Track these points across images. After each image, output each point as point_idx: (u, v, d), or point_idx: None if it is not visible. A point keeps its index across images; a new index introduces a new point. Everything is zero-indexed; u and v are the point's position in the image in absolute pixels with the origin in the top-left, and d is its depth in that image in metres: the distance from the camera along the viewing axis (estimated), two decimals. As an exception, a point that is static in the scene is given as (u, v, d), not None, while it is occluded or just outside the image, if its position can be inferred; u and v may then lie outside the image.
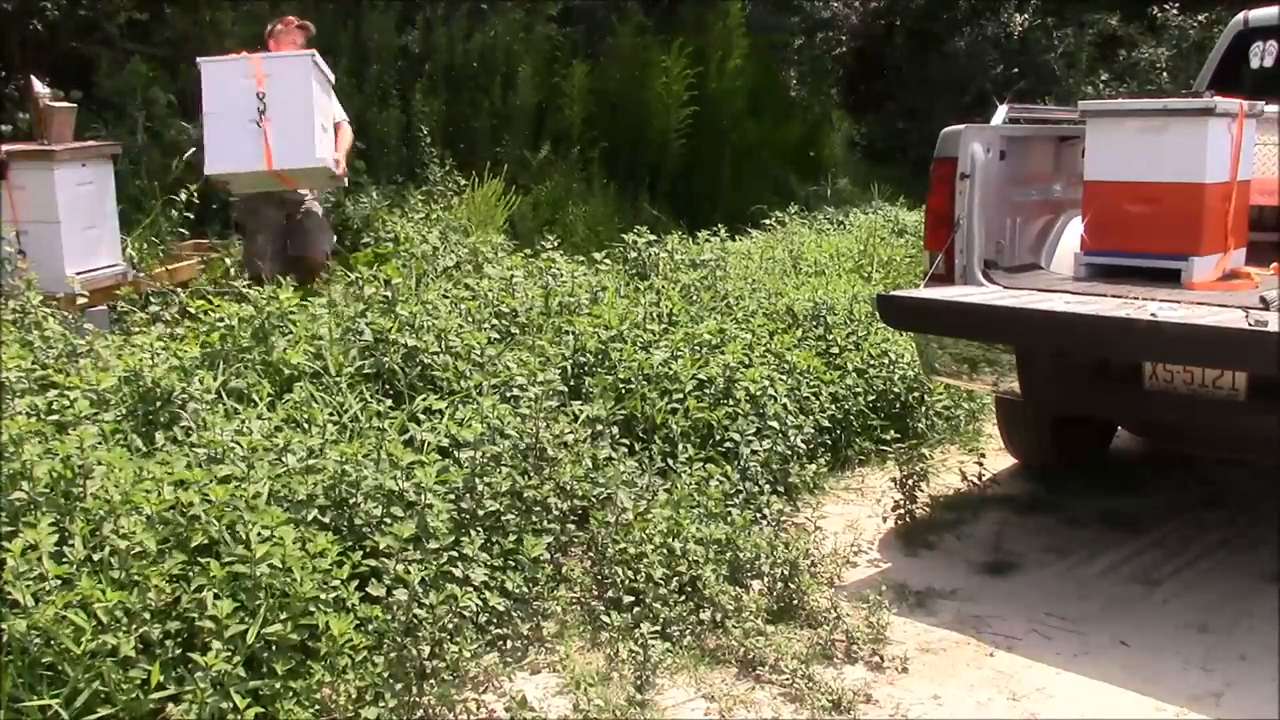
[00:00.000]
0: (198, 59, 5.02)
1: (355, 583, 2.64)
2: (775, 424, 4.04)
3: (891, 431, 4.52)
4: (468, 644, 2.66)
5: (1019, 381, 3.50)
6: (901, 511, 3.91)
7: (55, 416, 3.07)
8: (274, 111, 4.85)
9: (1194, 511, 4.08)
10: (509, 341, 4.22)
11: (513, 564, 3.03)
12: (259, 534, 2.54)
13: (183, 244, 5.89)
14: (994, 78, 12.17)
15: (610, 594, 3.12)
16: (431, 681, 2.58)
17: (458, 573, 2.81)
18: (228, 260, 5.55)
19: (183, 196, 5.66)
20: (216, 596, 2.43)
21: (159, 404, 3.31)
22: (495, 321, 4.37)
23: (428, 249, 5.70)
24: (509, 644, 2.95)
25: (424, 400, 3.57)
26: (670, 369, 4.15)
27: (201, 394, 3.31)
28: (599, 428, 3.71)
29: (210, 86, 4.89)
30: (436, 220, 6.77)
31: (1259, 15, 4.69)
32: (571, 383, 4.02)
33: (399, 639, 2.56)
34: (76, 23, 7.43)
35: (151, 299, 4.65)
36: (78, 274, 4.71)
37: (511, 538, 3.06)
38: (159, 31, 7.76)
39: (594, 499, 3.38)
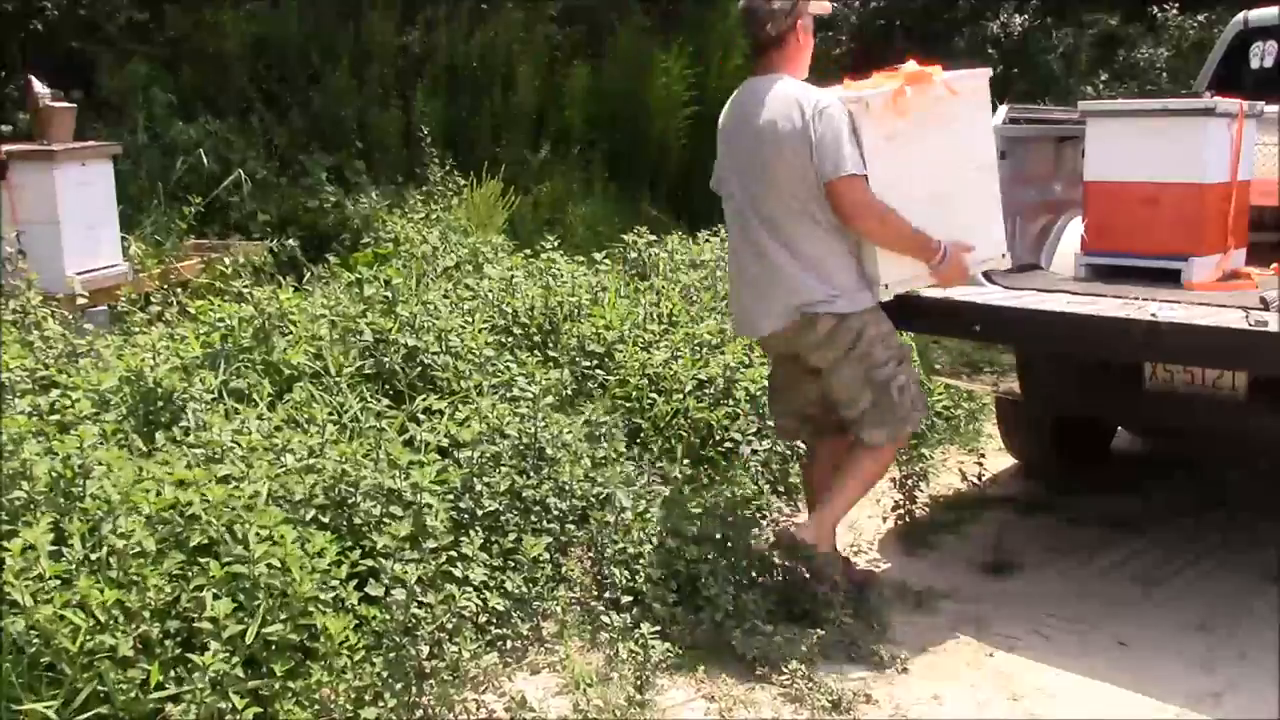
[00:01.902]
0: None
1: (354, 582, 2.64)
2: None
3: (891, 431, 4.51)
4: (467, 644, 2.66)
5: (1019, 382, 3.50)
6: (901, 511, 3.91)
7: (56, 416, 3.08)
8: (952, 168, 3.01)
9: (1194, 512, 4.08)
10: (510, 342, 4.22)
11: (512, 564, 3.02)
12: (257, 534, 2.54)
13: (184, 244, 5.88)
14: (994, 78, 12.16)
15: (610, 594, 3.12)
16: (431, 681, 2.58)
17: (457, 573, 2.81)
18: (227, 260, 5.54)
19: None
20: (215, 596, 2.43)
21: (159, 404, 3.31)
22: (496, 322, 4.36)
23: (428, 249, 5.70)
24: (509, 644, 2.94)
25: (424, 400, 3.57)
26: (671, 369, 4.15)
27: (202, 394, 3.31)
28: (601, 428, 3.71)
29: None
30: (436, 221, 6.76)
31: (1259, 15, 4.69)
32: (572, 386, 4.03)
33: (398, 639, 2.56)
34: (76, 23, 7.43)
35: (152, 299, 4.65)
36: (78, 274, 4.70)
37: (511, 538, 3.06)
38: (159, 31, 7.76)
39: (593, 499, 3.38)
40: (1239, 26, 4.75)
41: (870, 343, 3.12)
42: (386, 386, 3.73)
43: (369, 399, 3.55)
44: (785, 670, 2.86)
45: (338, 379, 3.61)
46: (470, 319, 4.20)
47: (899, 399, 3.16)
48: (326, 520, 2.82)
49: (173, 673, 2.35)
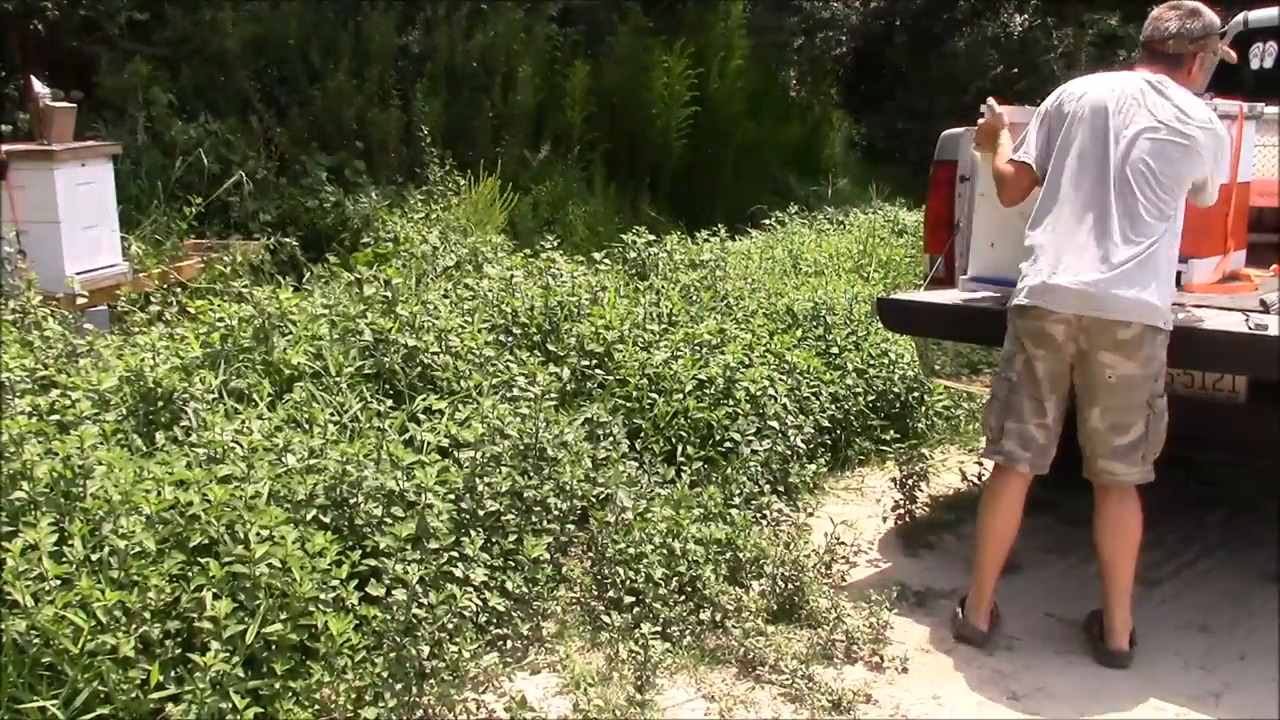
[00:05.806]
0: None
1: (355, 583, 2.64)
2: (775, 424, 4.05)
3: (891, 431, 4.52)
4: (467, 644, 2.66)
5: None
6: (901, 511, 3.91)
7: (56, 416, 3.08)
8: None
9: (1194, 511, 4.08)
10: (510, 342, 4.22)
11: (513, 564, 3.03)
12: (258, 534, 2.54)
13: (183, 244, 5.89)
14: (994, 78, 12.18)
15: (610, 594, 3.13)
16: (431, 681, 2.58)
17: (458, 573, 2.82)
18: (226, 259, 5.54)
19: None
20: (216, 596, 2.43)
21: (160, 404, 3.31)
22: (496, 321, 4.36)
23: (428, 249, 5.70)
24: (509, 644, 2.95)
25: (424, 400, 3.57)
26: (670, 369, 4.16)
27: (202, 394, 3.31)
28: (604, 428, 3.71)
29: None
30: (436, 220, 6.76)
31: (1259, 16, 4.69)
32: (572, 385, 4.03)
33: (398, 639, 2.56)
34: (76, 23, 7.41)
35: (151, 299, 4.65)
36: (78, 274, 4.70)
37: (511, 538, 3.07)
38: (159, 31, 7.76)
39: (594, 499, 3.38)
40: (1239, 27, 4.74)
41: (1162, 367, 2.96)
42: (386, 386, 3.73)
43: (369, 399, 3.55)
44: (785, 670, 2.86)
45: (338, 379, 3.61)
46: (470, 319, 4.20)
47: (1160, 434, 3.02)
48: (328, 520, 2.82)
49: (173, 673, 2.35)
